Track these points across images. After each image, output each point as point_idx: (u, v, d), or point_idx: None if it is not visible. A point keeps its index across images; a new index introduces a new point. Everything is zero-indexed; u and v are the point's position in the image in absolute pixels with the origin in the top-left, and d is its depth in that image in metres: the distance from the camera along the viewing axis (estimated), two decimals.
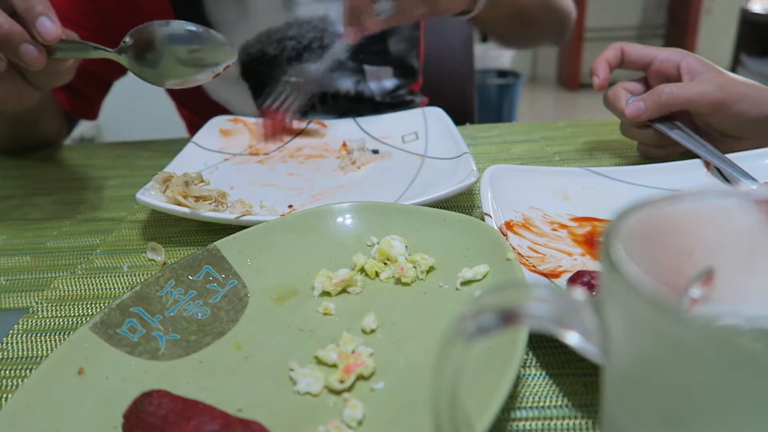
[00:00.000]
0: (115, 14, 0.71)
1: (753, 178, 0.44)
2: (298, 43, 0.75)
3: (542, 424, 0.26)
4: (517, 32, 0.83)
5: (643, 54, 0.54)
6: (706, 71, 0.50)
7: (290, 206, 0.49)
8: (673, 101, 0.49)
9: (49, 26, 0.43)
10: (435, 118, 0.64)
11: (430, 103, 0.92)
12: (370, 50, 0.80)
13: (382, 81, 0.83)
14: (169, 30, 0.46)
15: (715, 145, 0.49)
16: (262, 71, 0.76)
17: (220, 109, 0.78)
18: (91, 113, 0.79)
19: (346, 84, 0.80)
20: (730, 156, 0.47)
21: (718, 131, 0.50)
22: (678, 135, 0.49)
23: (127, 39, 0.46)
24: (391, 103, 0.85)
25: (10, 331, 0.36)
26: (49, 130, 0.73)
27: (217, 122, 0.67)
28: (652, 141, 0.53)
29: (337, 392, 0.27)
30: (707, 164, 0.48)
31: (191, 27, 0.46)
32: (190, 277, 0.35)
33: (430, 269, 0.36)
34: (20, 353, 0.34)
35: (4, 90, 0.47)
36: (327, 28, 0.76)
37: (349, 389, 0.27)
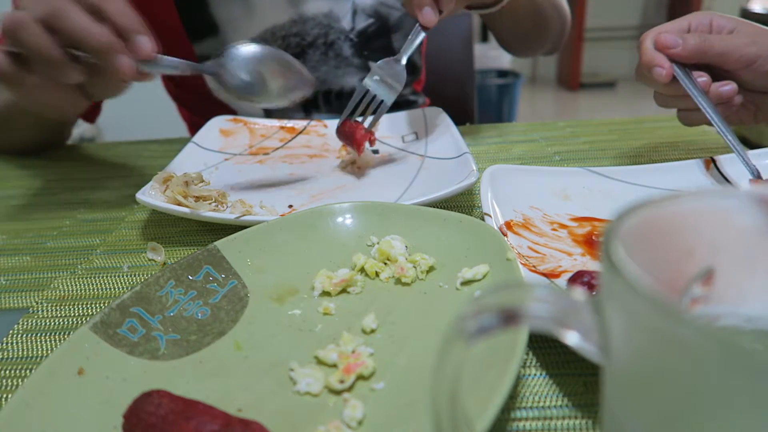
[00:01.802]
0: None
1: (746, 154, 0.45)
2: (302, 40, 0.75)
3: (542, 424, 0.26)
4: (530, 33, 0.82)
5: (677, 28, 0.52)
6: (738, 25, 0.49)
7: (290, 206, 0.49)
8: (709, 49, 0.48)
9: (148, 43, 0.45)
10: (435, 118, 0.64)
11: (430, 104, 0.92)
12: (375, 47, 0.80)
13: None
14: (261, 54, 0.49)
15: (744, 102, 0.48)
16: None
17: (222, 109, 0.78)
18: (92, 116, 0.79)
19: (351, 81, 0.80)
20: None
21: (749, 87, 0.49)
22: (692, 88, 0.48)
23: (222, 59, 0.48)
24: (395, 101, 0.85)
25: (10, 331, 0.36)
26: (68, 133, 0.75)
27: (217, 122, 0.67)
28: (669, 90, 0.51)
29: (337, 392, 0.27)
30: (707, 164, 0.48)
31: (286, 57, 0.50)
32: (190, 277, 0.35)
33: (430, 269, 0.36)
34: (20, 353, 0.34)
35: (60, 98, 0.47)
36: (331, 24, 0.76)
37: (349, 389, 0.27)
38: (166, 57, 0.47)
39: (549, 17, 0.80)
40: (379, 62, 0.58)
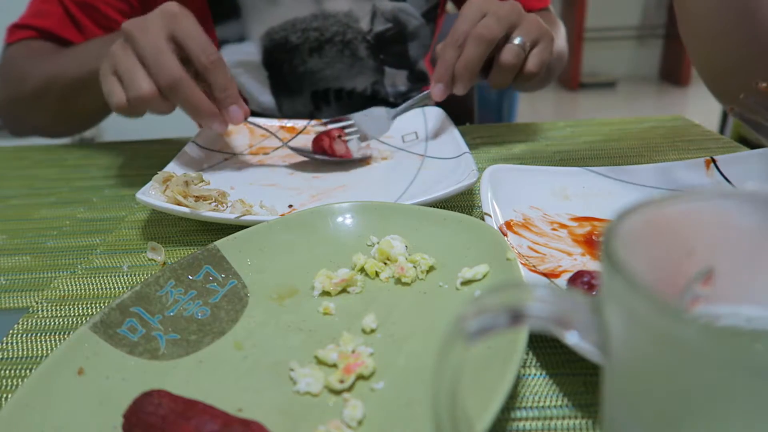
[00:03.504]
0: None
1: None
2: (321, 35, 0.77)
3: (542, 424, 0.26)
4: (537, 86, 0.80)
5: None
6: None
7: (290, 206, 0.49)
8: None
9: (239, 113, 0.54)
10: (435, 118, 0.64)
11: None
12: (391, 51, 0.81)
13: (397, 86, 0.84)
14: None
15: None
16: (282, 59, 0.78)
17: None
18: None
19: (364, 82, 0.81)
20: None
21: None
22: None
23: None
24: (400, 101, 0.85)
25: (10, 331, 0.36)
26: None
27: None
28: None
29: (337, 392, 0.27)
30: (707, 164, 0.48)
31: None
32: (190, 277, 0.35)
33: (430, 269, 0.36)
34: (20, 353, 0.34)
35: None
36: (350, 24, 0.77)
37: (349, 389, 0.27)
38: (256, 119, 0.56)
39: (555, 68, 0.79)
40: (368, 111, 0.62)
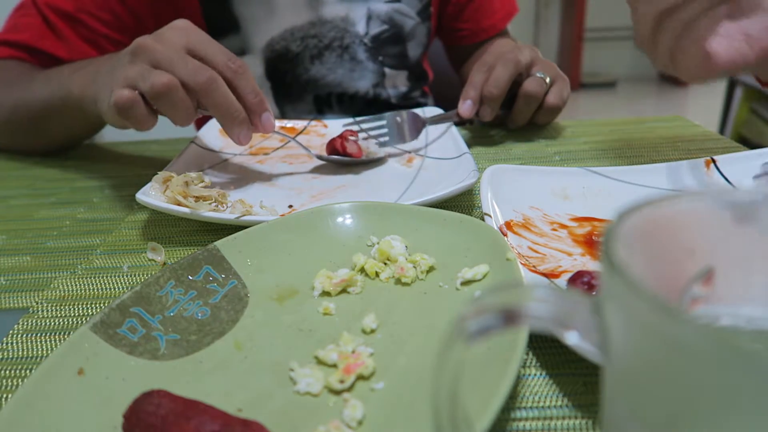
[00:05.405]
0: (138, 8, 0.72)
1: None
2: (319, 41, 0.77)
3: (542, 424, 0.26)
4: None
5: None
6: None
7: (290, 206, 0.49)
8: None
9: (271, 121, 0.52)
10: None
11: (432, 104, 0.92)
12: (389, 53, 0.81)
13: (398, 87, 0.84)
14: None
15: None
16: (285, 69, 0.77)
17: None
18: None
19: (365, 84, 0.81)
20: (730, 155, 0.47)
21: None
22: None
23: None
24: (405, 105, 0.85)
25: (10, 331, 0.36)
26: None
27: (217, 122, 0.67)
28: None
29: (337, 392, 0.27)
30: (707, 164, 0.48)
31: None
32: (190, 277, 0.35)
33: (430, 269, 0.36)
34: (20, 353, 0.34)
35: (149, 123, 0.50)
36: (347, 28, 0.77)
37: (349, 389, 0.27)
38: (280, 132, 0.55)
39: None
40: (413, 112, 0.62)
